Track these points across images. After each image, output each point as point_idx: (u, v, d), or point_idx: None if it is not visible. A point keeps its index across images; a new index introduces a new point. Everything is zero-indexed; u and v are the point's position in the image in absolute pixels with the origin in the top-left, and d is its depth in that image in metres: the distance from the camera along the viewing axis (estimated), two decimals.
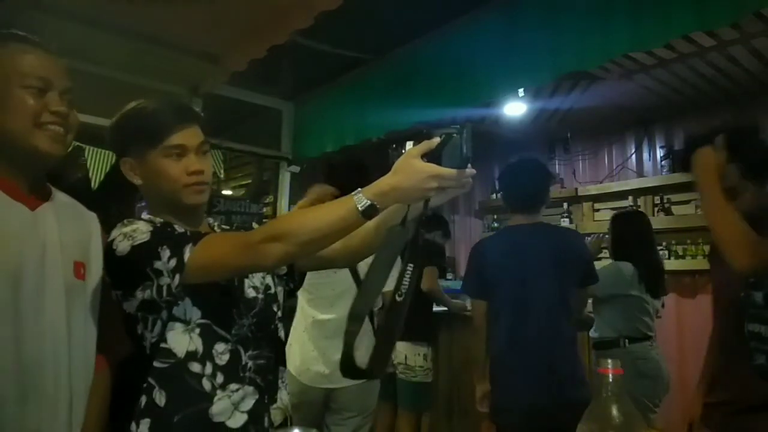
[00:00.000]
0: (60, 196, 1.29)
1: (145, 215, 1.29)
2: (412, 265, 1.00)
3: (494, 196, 5.82)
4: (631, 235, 2.75)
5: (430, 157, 1.03)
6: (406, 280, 0.99)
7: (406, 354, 3.04)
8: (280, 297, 1.37)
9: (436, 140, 1.03)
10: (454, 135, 1.04)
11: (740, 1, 2.11)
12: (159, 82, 3.95)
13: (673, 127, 4.65)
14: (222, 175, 4.31)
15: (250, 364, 1.23)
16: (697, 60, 3.52)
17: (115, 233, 1.17)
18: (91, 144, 3.65)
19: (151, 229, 1.15)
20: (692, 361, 4.26)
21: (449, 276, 5.75)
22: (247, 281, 1.30)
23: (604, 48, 2.50)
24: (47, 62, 1.23)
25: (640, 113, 4.57)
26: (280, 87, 4.46)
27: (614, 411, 0.80)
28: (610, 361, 0.83)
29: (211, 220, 1.42)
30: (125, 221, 1.20)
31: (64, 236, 1.19)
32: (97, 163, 3.63)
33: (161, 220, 1.24)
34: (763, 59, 3.49)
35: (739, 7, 2.13)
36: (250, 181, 5.28)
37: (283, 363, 1.37)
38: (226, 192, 5.37)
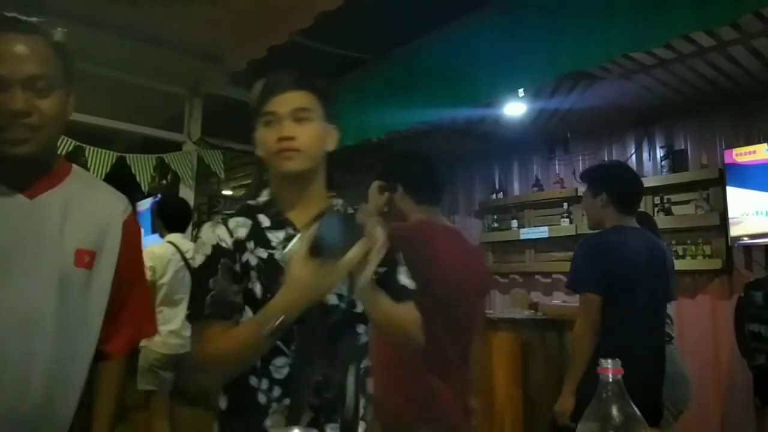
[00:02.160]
0: (79, 181, 1.28)
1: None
2: None
3: (494, 196, 5.83)
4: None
5: (319, 248, 1.03)
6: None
7: None
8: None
9: (313, 232, 1.04)
10: (335, 215, 1.10)
11: (740, 1, 2.11)
12: (159, 82, 3.95)
13: (673, 127, 4.65)
14: (222, 175, 4.31)
15: None
16: (697, 60, 3.52)
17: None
18: (91, 144, 3.66)
19: (206, 253, 1.22)
20: (692, 361, 4.26)
21: None
22: None
23: (604, 48, 2.50)
24: (2, 51, 1.10)
25: (640, 113, 4.57)
26: None
27: (614, 411, 0.80)
28: (610, 361, 0.83)
29: (338, 202, 1.39)
30: (207, 224, 1.27)
31: (69, 224, 1.19)
32: (98, 162, 3.64)
33: (223, 233, 1.24)
34: (763, 59, 3.49)
35: (739, 7, 2.13)
36: (250, 181, 5.28)
37: (362, 390, 1.24)
38: (226, 192, 5.37)
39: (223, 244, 1.22)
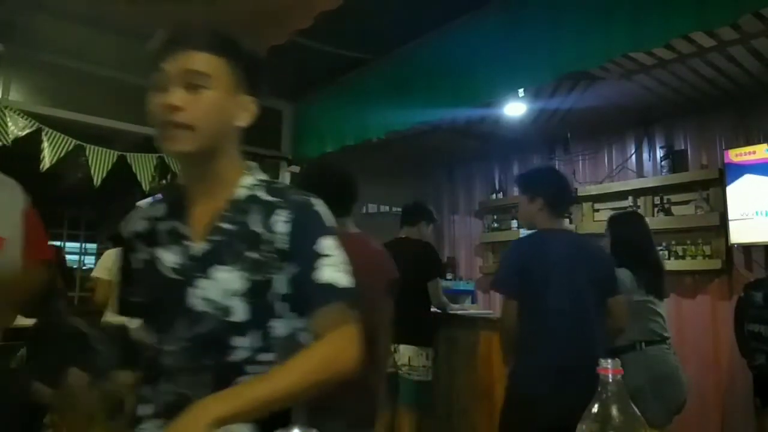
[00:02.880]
0: None
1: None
2: None
3: (494, 196, 5.83)
4: (630, 236, 2.70)
5: None
6: None
7: (410, 356, 3.06)
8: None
9: None
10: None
11: (740, 1, 2.11)
12: None
13: (673, 127, 4.65)
14: None
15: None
16: (697, 60, 3.52)
17: None
18: (91, 143, 3.66)
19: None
20: (692, 361, 4.26)
21: (449, 276, 5.75)
22: None
23: (604, 48, 2.50)
24: None
25: (640, 113, 4.57)
26: (280, 87, 4.46)
27: (614, 411, 0.80)
28: (610, 361, 0.83)
29: (253, 180, 1.11)
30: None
31: None
32: (98, 161, 3.64)
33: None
34: (763, 59, 3.49)
35: (739, 7, 2.13)
36: None
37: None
38: None
39: (125, 236, 1.11)
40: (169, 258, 1.05)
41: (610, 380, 0.82)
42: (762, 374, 3.40)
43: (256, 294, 1.01)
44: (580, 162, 5.24)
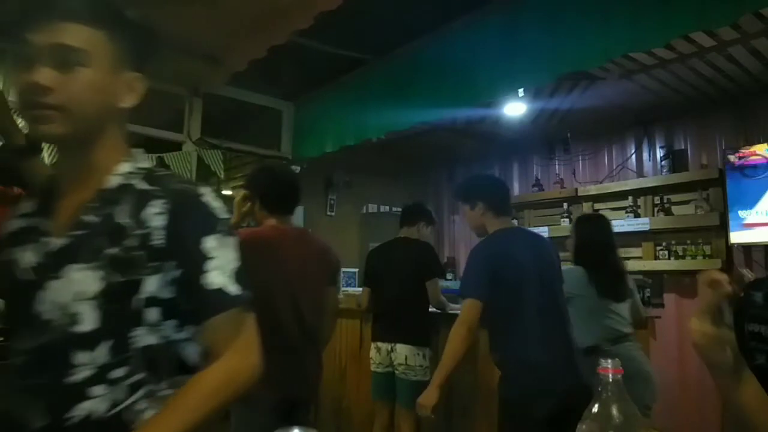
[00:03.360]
0: None
1: None
2: None
3: None
4: (593, 238, 2.71)
5: None
6: None
7: (407, 355, 3.07)
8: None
9: None
10: None
11: (740, 1, 2.11)
12: (159, 82, 3.95)
13: (673, 127, 4.65)
14: (222, 175, 4.31)
15: None
16: (697, 60, 3.52)
17: None
18: None
19: None
20: (692, 361, 4.26)
21: (449, 276, 5.75)
22: None
23: (604, 48, 2.50)
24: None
25: (640, 113, 4.57)
26: (280, 87, 4.46)
27: (614, 411, 0.80)
28: (610, 361, 0.83)
29: (131, 168, 0.99)
30: None
31: None
32: None
33: None
34: (763, 59, 3.49)
35: (739, 7, 2.13)
36: None
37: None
38: (226, 192, 5.37)
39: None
40: (25, 258, 0.91)
41: (610, 380, 0.82)
42: (762, 374, 3.38)
43: (114, 298, 0.86)
44: (580, 162, 5.24)
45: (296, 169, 4.60)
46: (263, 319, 1.81)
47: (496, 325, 2.21)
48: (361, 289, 4.56)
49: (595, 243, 2.65)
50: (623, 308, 2.63)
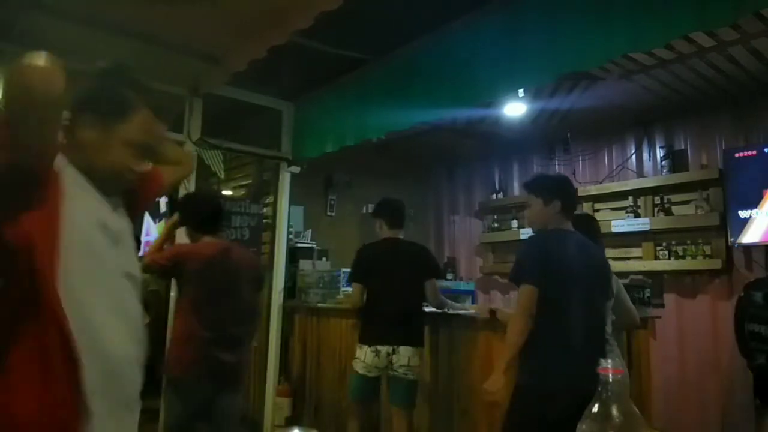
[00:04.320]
0: None
1: None
2: None
3: (494, 196, 5.83)
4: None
5: None
6: None
7: (409, 356, 3.07)
8: None
9: None
10: None
11: (740, 1, 2.11)
12: (159, 82, 3.95)
13: (673, 127, 4.65)
14: (222, 175, 4.31)
15: None
16: (697, 60, 3.52)
17: None
18: None
19: None
20: (692, 361, 4.26)
21: (449, 276, 5.75)
22: None
23: (604, 48, 2.50)
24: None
25: (640, 113, 4.57)
26: (280, 87, 4.46)
27: (614, 411, 0.80)
28: (610, 361, 0.83)
29: None
30: None
31: None
32: None
33: None
34: (763, 59, 3.49)
35: (739, 7, 2.13)
36: (250, 181, 5.28)
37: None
38: (226, 192, 5.37)
39: None
40: None
41: (610, 380, 0.82)
42: (762, 374, 3.40)
43: None
44: (580, 162, 5.24)
45: (296, 169, 4.60)
46: (203, 319, 2.43)
47: (539, 314, 2.26)
48: None
49: None
50: (607, 308, 2.59)
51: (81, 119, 1.20)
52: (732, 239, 4.01)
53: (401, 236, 3.35)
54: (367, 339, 3.15)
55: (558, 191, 2.48)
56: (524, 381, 2.26)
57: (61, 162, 1.14)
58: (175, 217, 2.81)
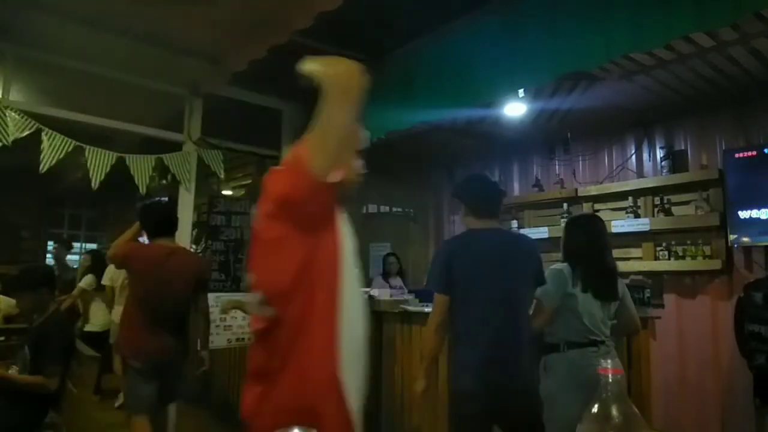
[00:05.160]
0: None
1: None
2: None
3: None
4: (582, 237, 2.65)
5: None
6: None
7: None
8: None
9: None
10: None
11: (740, 2, 2.11)
12: (159, 82, 3.95)
13: (673, 127, 4.65)
14: (222, 175, 4.31)
15: None
16: (697, 60, 3.52)
17: None
18: (91, 143, 3.66)
19: None
20: (692, 360, 4.26)
21: None
22: None
23: (604, 49, 2.50)
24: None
25: (640, 113, 4.57)
26: (280, 87, 4.46)
27: (614, 411, 0.80)
28: (610, 361, 0.83)
29: None
30: None
31: None
32: (97, 162, 3.64)
33: None
34: (763, 59, 3.49)
35: (739, 8, 2.13)
36: (250, 181, 5.28)
37: None
38: (226, 192, 5.37)
39: None
40: None
41: (610, 380, 0.82)
42: (762, 374, 3.40)
43: None
44: (580, 162, 5.24)
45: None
46: (142, 309, 2.99)
47: (453, 319, 2.31)
48: (363, 289, 4.58)
49: (583, 243, 2.59)
50: (608, 309, 2.54)
51: None
52: (732, 239, 4.01)
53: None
54: None
55: (461, 195, 2.49)
56: (452, 378, 2.35)
57: None
58: (138, 224, 3.25)
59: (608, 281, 2.53)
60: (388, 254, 5.80)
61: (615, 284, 2.54)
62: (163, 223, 3.21)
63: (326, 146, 1.22)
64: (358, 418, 1.28)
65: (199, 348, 3.27)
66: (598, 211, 4.94)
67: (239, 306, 3.52)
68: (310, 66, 1.37)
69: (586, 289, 2.46)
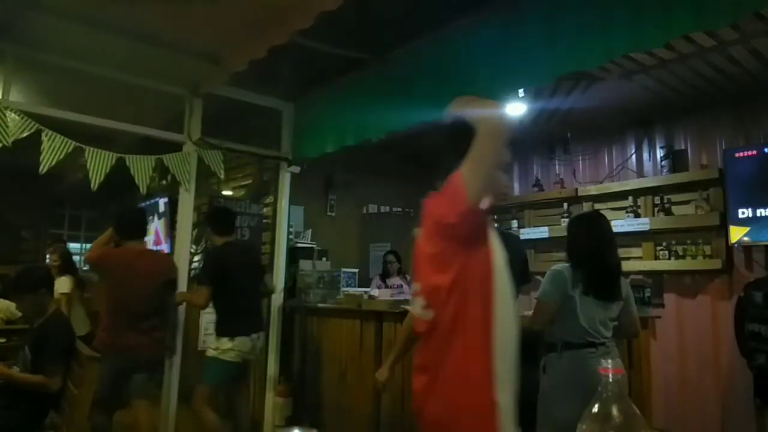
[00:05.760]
0: None
1: None
2: None
3: None
4: (584, 236, 2.62)
5: None
6: None
7: (264, 340, 3.81)
8: None
9: None
10: None
11: (740, 1, 2.11)
12: (159, 82, 3.95)
13: (673, 127, 4.65)
14: (222, 175, 4.31)
15: None
16: (697, 60, 3.52)
17: None
18: (91, 144, 3.65)
19: None
20: (692, 360, 4.26)
21: None
22: None
23: (604, 48, 2.50)
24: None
25: (640, 113, 4.57)
26: (280, 87, 4.46)
27: (614, 411, 0.80)
28: (610, 361, 0.83)
29: None
30: None
31: None
32: (97, 163, 3.63)
33: None
34: (763, 59, 3.49)
35: (739, 7, 2.13)
36: (250, 181, 5.28)
37: None
38: (226, 192, 5.37)
39: None
40: None
41: (610, 380, 0.82)
42: (762, 374, 3.40)
43: None
44: (580, 162, 5.24)
45: (296, 169, 4.60)
46: (115, 309, 3.33)
47: None
48: (363, 289, 4.56)
49: (585, 242, 2.56)
50: (609, 310, 2.52)
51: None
52: (732, 239, 4.01)
53: (233, 239, 3.85)
54: (234, 330, 3.53)
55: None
56: None
57: None
58: (110, 229, 3.51)
59: (612, 281, 2.51)
60: (388, 252, 5.64)
61: (618, 284, 2.52)
62: (136, 229, 3.52)
63: (479, 177, 1.45)
64: (511, 407, 1.44)
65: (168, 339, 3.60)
66: (598, 211, 4.95)
67: (188, 299, 3.72)
68: (465, 108, 1.63)
69: (588, 292, 2.44)
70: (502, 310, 1.48)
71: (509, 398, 1.45)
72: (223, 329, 3.48)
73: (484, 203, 1.47)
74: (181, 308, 3.92)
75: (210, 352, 3.47)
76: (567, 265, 2.52)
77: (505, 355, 1.46)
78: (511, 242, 2.49)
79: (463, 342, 1.46)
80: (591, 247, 2.53)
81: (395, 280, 5.41)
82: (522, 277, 2.59)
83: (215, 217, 3.82)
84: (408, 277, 5.55)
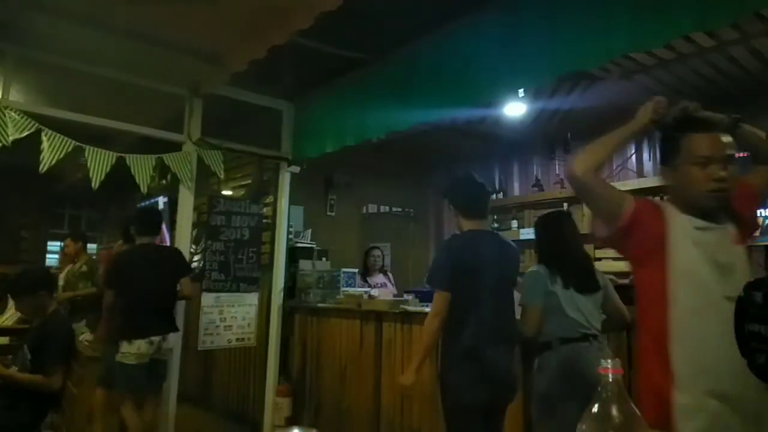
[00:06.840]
0: None
1: None
2: None
3: (494, 196, 5.83)
4: (552, 234, 2.69)
5: None
6: None
7: (174, 341, 3.64)
8: None
9: None
10: None
11: (740, 1, 2.11)
12: (159, 82, 3.95)
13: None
14: (222, 175, 4.31)
15: None
16: (697, 60, 3.52)
17: None
18: (91, 143, 3.65)
19: None
20: None
21: None
22: None
23: (604, 48, 2.50)
24: (710, 141, 1.71)
25: None
26: (280, 87, 4.46)
27: (614, 411, 0.80)
28: (610, 361, 0.83)
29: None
30: None
31: None
32: (98, 163, 3.63)
33: None
34: (763, 59, 3.49)
35: (739, 7, 2.13)
36: (250, 181, 5.28)
37: None
38: (226, 192, 5.37)
39: None
40: None
41: (610, 380, 0.82)
42: (762, 374, 3.39)
43: None
44: None
45: (296, 169, 4.60)
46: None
47: (452, 314, 2.40)
48: (363, 289, 4.56)
49: (553, 242, 2.64)
50: (593, 301, 2.56)
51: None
52: None
53: (149, 241, 3.77)
54: (134, 333, 3.48)
55: (449, 194, 2.64)
56: (448, 380, 2.43)
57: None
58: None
59: (586, 273, 2.57)
60: (372, 248, 5.30)
61: (593, 274, 2.57)
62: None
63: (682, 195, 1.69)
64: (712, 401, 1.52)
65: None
66: None
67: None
68: None
69: (567, 285, 2.49)
70: (687, 321, 1.59)
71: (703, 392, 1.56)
72: (121, 332, 3.47)
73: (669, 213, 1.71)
74: (181, 308, 3.93)
75: (116, 356, 3.47)
76: (542, 265, 2.56)
77: (693, 355, 1.57)
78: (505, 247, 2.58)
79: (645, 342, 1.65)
80: (557, 244, 2.61)
81: (378, 278, 5.15)
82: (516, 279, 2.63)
83: (138, 218, 3.90)
84: (390, 275, 5.33)
